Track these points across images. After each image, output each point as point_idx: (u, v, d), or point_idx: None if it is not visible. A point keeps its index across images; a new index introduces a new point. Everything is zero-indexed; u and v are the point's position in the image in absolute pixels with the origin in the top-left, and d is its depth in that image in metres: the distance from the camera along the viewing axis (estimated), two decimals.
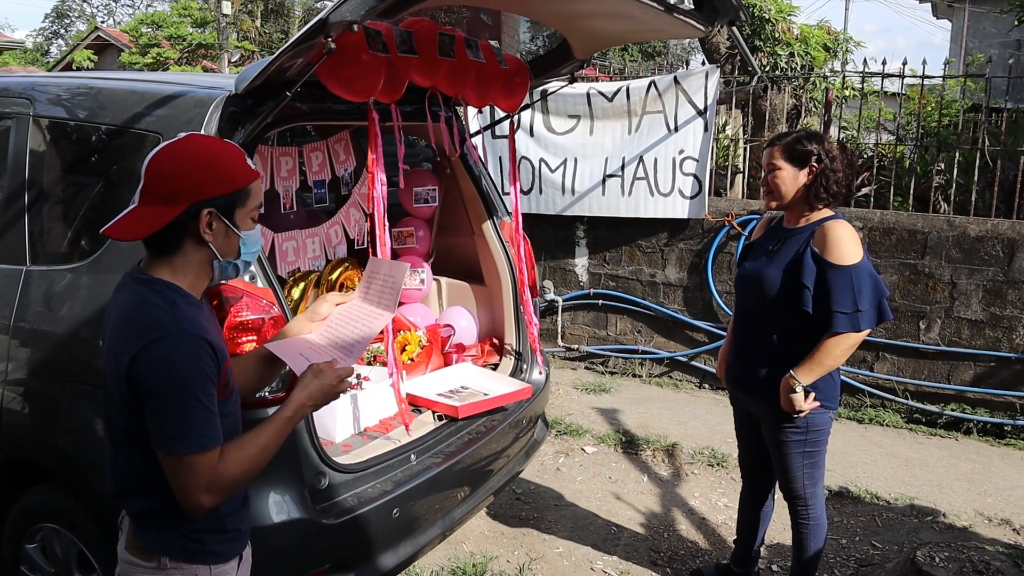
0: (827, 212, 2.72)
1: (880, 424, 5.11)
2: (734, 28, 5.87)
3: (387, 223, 2.49)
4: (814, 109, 7.59)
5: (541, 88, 6.16)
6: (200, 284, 1.72)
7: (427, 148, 3.70)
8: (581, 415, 5.20)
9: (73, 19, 40.85)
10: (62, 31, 39.47)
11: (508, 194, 3.61)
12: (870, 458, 4.60)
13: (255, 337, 2.28)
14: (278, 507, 2.28)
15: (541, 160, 6.26)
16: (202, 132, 2.31)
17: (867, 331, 2.63)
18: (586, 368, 6.32)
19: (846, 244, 2.58)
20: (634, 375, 6.09)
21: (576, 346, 6.42)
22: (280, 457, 2.28)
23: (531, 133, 6.23)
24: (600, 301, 6.30)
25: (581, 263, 6.41)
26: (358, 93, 2.29)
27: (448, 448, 2.90)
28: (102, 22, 36.70)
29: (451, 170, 3.52)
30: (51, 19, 40.79)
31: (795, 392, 2.62)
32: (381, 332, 3.12)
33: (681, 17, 2.55)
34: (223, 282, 1.79)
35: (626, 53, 34.03)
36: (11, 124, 2.70)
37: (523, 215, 6.31)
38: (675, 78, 5.72)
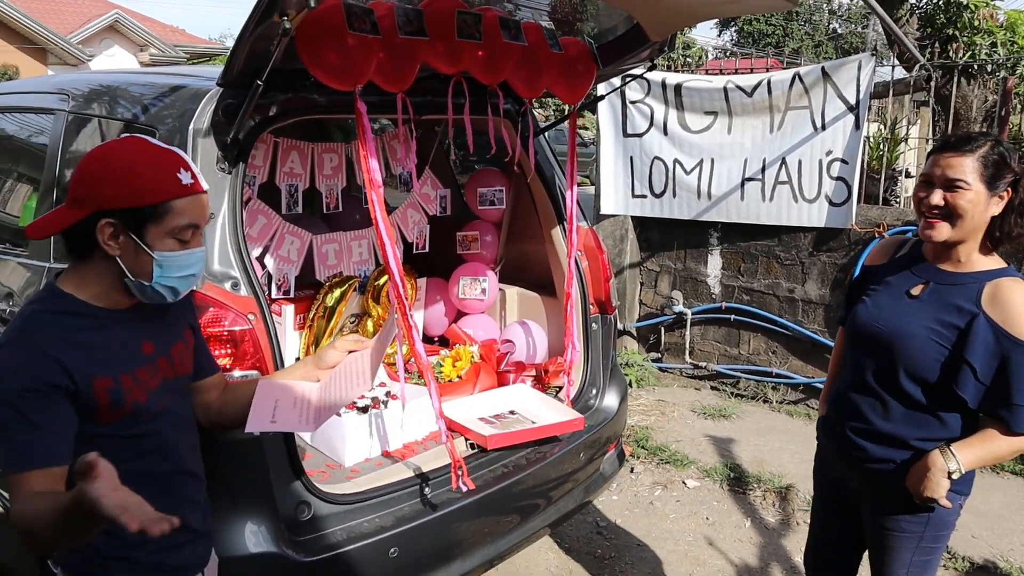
0: (995, 258, 1.99)
1: None
2: (879, 9, 5.08)
3: (389, 228, 2.19)
4: (1020, 106, 6.55)
5: (676, 82, 5.73)
6: (114, 296, 1.54)
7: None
8: (691, 443, 4.70)
9: None
10: None
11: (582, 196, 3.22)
12: None
13: (232, 351, 2.08)
14: (247, 538, 2.07)
15: (675, 161, 5.77)
16: (192, 126, 2.16)
17: None
18: (712, 388, 5.76)
19: None
20: (764, 400, 5.46)
21: (704, 364, 5.87)
22: (250, 483, 2.10)
23: (664, 131, 5.76)
24: (732, 316, 5.72)
25: (714, 273, 5.86)
26: (343, 81, 2.03)
27: (474, 481, 2.57)
28: None
29: (520, 169, 3.18)
30: None
31: (950, 476, 1.91)
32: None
33: None
34: (148, 302, 1.56)
35: (819, 50, 32.03)
36: (52, 119, 2.69)
37: (655, 220, 5.95)
38: (823, 69, 5.05)
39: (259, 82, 1.93)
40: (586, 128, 17.20)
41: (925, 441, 1.99)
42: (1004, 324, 1.87)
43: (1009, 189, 1.91)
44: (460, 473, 2.39)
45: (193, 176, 1.50)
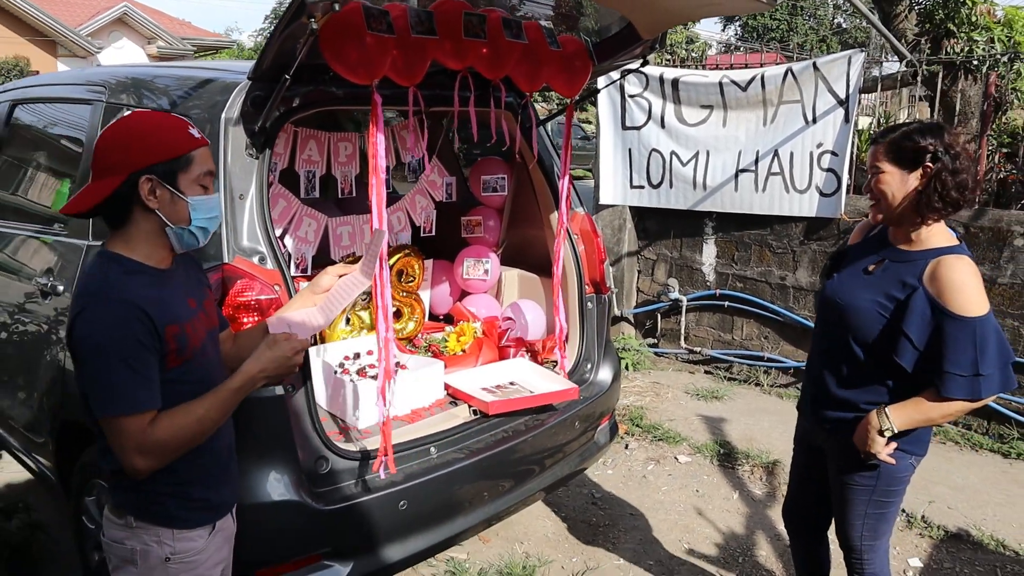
0: (943, 232, 2.17)
1: None
2: (864, 8, 5.27)
3: (385, 210, 2.41)
4: (1016, 101, 6.73)
5: (673, 77, 5.93)
6: (158, 253, 1.76)
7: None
8: (683, 422, 4.92)
9: None
10: None
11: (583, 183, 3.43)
12: (1007, 499, 3.99)
13: (259, 318, 2.30)
14: (270, 487, 2.29)
15: (672, 153, 5.98)
16: (223, 116, 2.38)
17: (987, 400, 2.11)
18: (706, 373, 5.98)
19: (971, 290, 2.06)
20: (756, 384, 5.68)
21: (699, 349, 6.09)
22: (275, 438, 2.32)
23: (662, 124, 5.96)
24: (726, 303, 5.93)
25: (708, 262, 6.07)
26: (361, 75, 2.25)
27: (477, 444, 2.81)
28: None
29: (521, 158, 3.40)
30: (270, 20, 44.47)
31: (881, 435, 2.16)
32: (441, 322, 3.08)
33: None
34: (184, 250, 1.80)
35: (824, 44, 32.10)
36: (90, 109, 2.91)
37: (652, 210, 6.16)
38: (814, 64, 5.25)
39: (287, 76, 2.15)
40: (588, 122, 17.38)
41: (872, 404, 2.21)
42: (938, 297, 2.07)
43: (930, 164, 2.10)
44: (385, 458, 2.46)
45: (198, 131, 1.77)
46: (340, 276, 2.09)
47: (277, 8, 44.24)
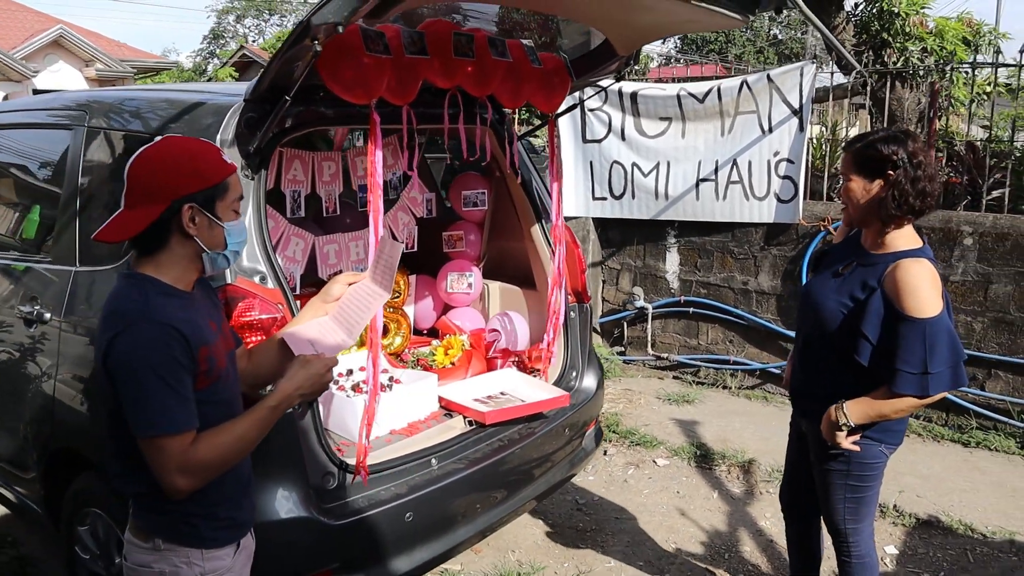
0: (909, 236, 2.28)
1: (988, 449, 4.63)
2: (817, 21, 5.49)
3: (381, 225, 2.46)
4: (950, 107, 7.05)
5: (631, 91, 6.08)
6: (188, 276, 1.78)
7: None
8: (658, 426, 5.02)
9: (228, 40, 43.72)
10: (217, 51, 42.31)
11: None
12: (971, 485, 4.18)
13: (262, 337, 2.31)
14: (281, 504, 2.31)
15: (633, 164, 6.12)
16: (218, 138, 2.40)
17: (938, 397, 2.22)
18: (674, 378, 6.10)
19: (923, 292, 2.16)
20: (724, 387, 5.82)
21: (666, 355, 6.22)
22: (284, 456, 2.34)
23: (622, 136, 6.10)
24: (691, 309, 6.07)
25: (672, 269, 6.21)
26: (359, 95, 2.30)
27: (475, 454, 2.85)
28: (253, 42, 39.00)
29: (500, 173, 3.47)
30: (208, 40, 43.87)
31: (839, 429, 2.29)
32: (425, 334, 3.12)
33: (706, 6, 2.39)
34: (216, 272, 1.83)
35: (761, 55, 32.99)
36: (70, 134, 2.89)
37: (615, 220, 6.29)
38: (768, 76, 5.45)
39: (287, 97, 2.18)
40: (536, 136, 17.50)
41: (839, 398, 2.34)
42: (893, 298, 2.20)
43: (892, 172, 2.23)
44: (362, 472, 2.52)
45: (228, 157, 1.81)
46: (349, 284, 2.12)
47: (216, 28, 43.77)
